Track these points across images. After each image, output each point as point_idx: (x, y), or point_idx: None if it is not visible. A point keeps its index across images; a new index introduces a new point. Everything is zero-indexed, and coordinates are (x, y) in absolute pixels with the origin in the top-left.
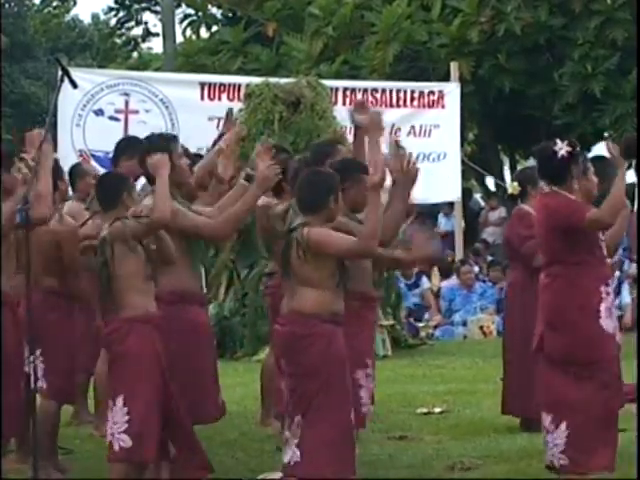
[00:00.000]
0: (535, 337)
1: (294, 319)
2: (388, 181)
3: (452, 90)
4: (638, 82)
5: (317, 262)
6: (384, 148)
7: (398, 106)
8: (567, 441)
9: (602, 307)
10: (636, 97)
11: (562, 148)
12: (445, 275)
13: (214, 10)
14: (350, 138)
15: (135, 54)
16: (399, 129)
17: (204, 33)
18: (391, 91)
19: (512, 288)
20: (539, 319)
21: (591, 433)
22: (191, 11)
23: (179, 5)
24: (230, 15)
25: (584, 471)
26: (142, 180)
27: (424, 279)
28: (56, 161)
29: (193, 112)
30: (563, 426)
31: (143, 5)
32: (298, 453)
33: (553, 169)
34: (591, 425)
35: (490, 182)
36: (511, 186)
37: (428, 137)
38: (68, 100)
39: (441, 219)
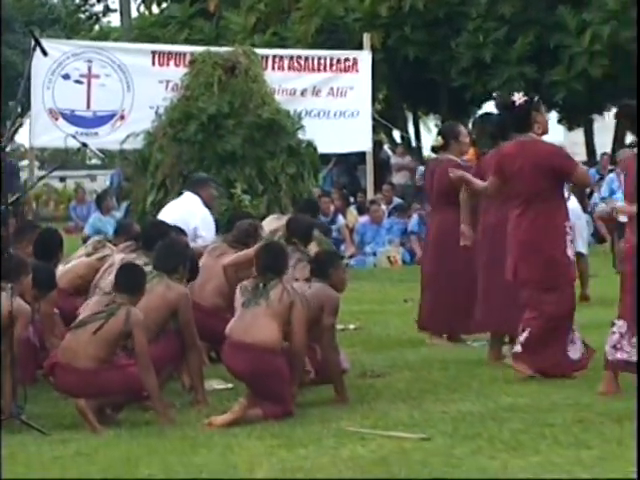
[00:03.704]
0: (509, 268)
1: None
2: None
3: (365, 57)
4: (638, 77)
5: None
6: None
7: (319, 71)
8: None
9: (567, 239)
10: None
11: (520, 98)
12: (360, 213)
13: None
14: (277, 98)
15: (97, 27)
16: (320, 90)
17: (155, 9)
18: (313, 58)
19: (438, 228)
20: (512, 253)
21: (545, 336)
22: None
23: None
24: None
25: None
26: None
27: (340, 217)
28: None
29: (146, 76)
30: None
31: None
32: None
33: (517, 118)
34: (547, 329)
35: (396, 135)
36: (435, 139)
37: (344, 97)
38: (40, 66)
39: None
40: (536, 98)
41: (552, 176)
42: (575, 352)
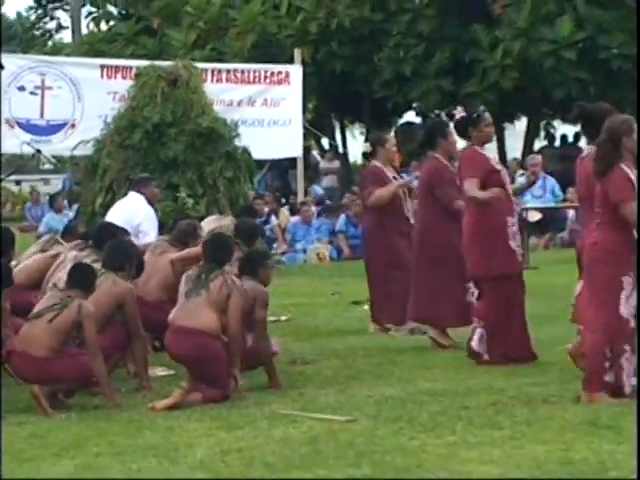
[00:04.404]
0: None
1: None
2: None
3: (296, 71)
4: (638, 80)
5: None
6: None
7: (254, 83)
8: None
9: (509, 231)
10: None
11: (459, 112)
12: (291, 213)
13: (112, 8)
14: (215, 108)
15: (50, 43)
16: (255, 101)
17: (104, 27)
18: (249, 71)
19: (369, 228)
20: (464, 249)
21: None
22: (94, 9)
23: (84, 4)
24: (124, 12)
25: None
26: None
27: (273, 217)
28: None
29: (95, 88)
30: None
31: (56, 5)
32: None
33: (456, 130)
34: (500, 320)
35: (325, 142)
36: (364, 146)
37: (277, 107)
38: None
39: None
40: (475, 114)
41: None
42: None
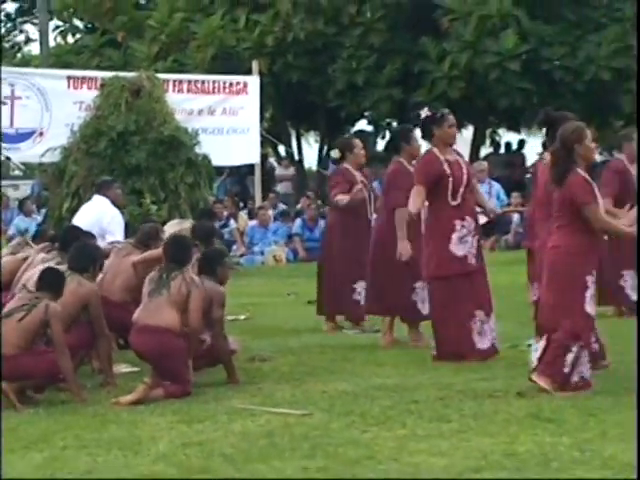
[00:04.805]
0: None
1: None
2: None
3: (253, 81)
4: (638, 84)
5: None
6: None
7: (214, 93)
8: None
9: (454, 236)
10: (636, 97)
11: (425, 112)
12: (249, 217)
13: (78, 22)
14: (177, 117)
15: (19, 55)
16: (214, 110)
17: (70, 39)
18: (209, 82)
19: (330, 229)
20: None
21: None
22: (61, 23)
23: (52, 18)
24: (90, 26)
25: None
26: None
27: (232, 221)
28: None
29: (62, 98)
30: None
31: (25, 19)
32: None
33: (421, 129)
34: (450, 320)
35: (281, 149)
36: (334, 152)
37: (236, 116)
38: None
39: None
40: (439, 114)
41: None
42: (483, 342)
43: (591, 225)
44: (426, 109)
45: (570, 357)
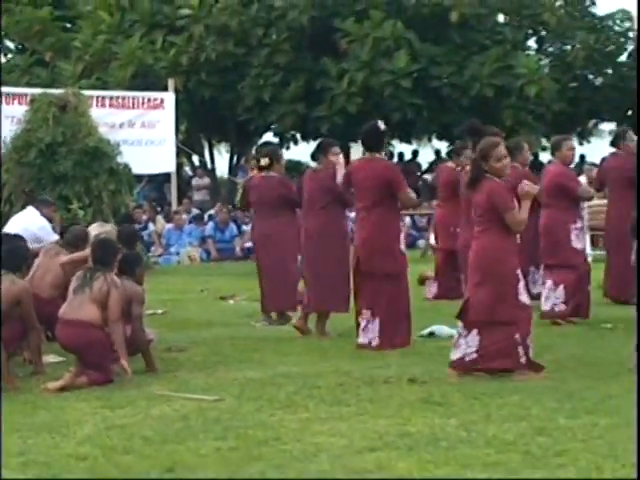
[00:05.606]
0: (354, 259)
1: None
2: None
3: (169, 97)
4: (638, 84)
5: None
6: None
7: (134, 108)
8: (379, 328)
9: (400, 236)
10: (636, 103)
11: (382, 125)
12: (166, 221)
13: (9, 43)
14: (100, 129)
15: None
16: (134, 123)
17: (2, 59)
18: (129, 98)
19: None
20: (357, 248)
21: (395, 322)
22: None
23: None
24: (20, 46)
25: (388, 348)
26: None
27: (151, 224)
28: None
29: None
30: (377, 320)
31: None
32: None
33: (376, 140)
34: (394, 316)
35: (195, 159)
36: (263, 160)
37: (153, 129)
38: None
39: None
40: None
41: (386, 187)
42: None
43: (510, 227)
44: (380, 122)
45: (520, 348)
